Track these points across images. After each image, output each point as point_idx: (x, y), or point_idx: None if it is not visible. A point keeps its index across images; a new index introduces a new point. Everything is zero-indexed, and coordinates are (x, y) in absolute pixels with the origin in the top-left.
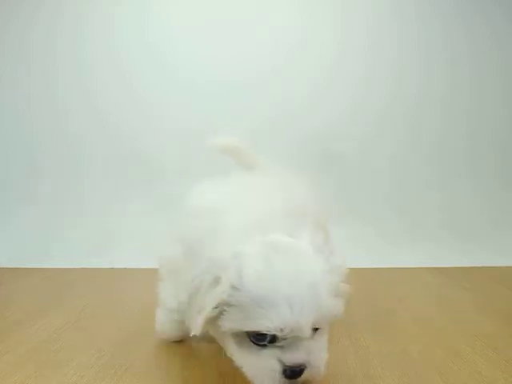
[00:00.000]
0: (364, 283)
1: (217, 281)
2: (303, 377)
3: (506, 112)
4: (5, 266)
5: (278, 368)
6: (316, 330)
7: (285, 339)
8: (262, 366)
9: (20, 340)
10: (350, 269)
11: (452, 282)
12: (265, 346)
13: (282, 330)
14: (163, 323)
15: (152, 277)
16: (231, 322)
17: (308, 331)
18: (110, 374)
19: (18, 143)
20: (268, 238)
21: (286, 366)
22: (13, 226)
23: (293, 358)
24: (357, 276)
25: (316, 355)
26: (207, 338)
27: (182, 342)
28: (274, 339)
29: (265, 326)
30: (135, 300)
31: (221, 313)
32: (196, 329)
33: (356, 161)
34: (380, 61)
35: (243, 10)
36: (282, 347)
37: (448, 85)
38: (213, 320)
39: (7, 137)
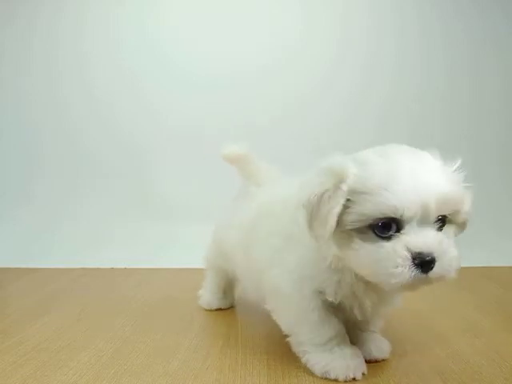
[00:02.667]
0: None
1: (337, 185)
2: (435, 271)
3: (507, 112)
4: (5, 266)
5: (406, 254)
6: (442, 224)
7: (411, 226)
8: (388, 257)
9: (20, 340)
10: None
11: (452, 282)
12: (390, 237)
13: (408, 209)
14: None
15: (152, 277)
16: (358, 213)
17: (435, 213)
18: (109, 373)
19: (17, 143)
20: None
21: (415, 252)
22: (13, 226)
23: (423, 243)
24: None
25: (447, 247)
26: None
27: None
28: (400, 228)
29: (393, 205)
30: (135, 300)
31: (346, 208)
32: (328, 230)
33: None
34: (380, 61)
35: (243, 8)
36: (408, 235)
37: (448, 85)
38: (338, 221)
39: (7, 137)
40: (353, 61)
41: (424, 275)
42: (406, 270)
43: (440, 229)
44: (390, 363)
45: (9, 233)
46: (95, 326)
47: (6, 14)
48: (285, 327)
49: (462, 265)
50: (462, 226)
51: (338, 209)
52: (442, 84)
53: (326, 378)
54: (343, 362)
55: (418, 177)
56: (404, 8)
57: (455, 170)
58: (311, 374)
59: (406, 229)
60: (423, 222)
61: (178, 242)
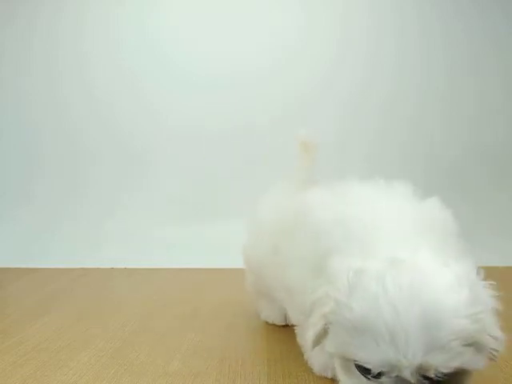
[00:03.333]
0: None
1: (327, 296)
2: None
3: (507, 112)
4: (5, 266)
5: None
6: (442, 379)
7: (391, 378)
8: None
9: (20, 340)
10: None
11: None
12: (369, 379)
13: (381, 367)
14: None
15: (152, 277)
16: (334, 345)
17: (413, 375)
18: (110, 373)
19: (17, 143)
20: (393, 256)
21: None
22: (13, 226)
23: None
24: None
25: None
26: None
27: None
28: (379, 374)
29: (364, 359)
30: (135, 300)
31: (326, 332)
32: (308, 346)
33: (356, 161)
34: (380, 61)
35: (243, 8)
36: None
37: (448, 85)
38: (321, 338)
39: (7, 137)
40: (353, 61)
41: None
42: None
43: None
44: None
45: (9, 233)
46: (95, 326)
47: (6, 13)
48: (293, 318)
49: None
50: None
51: (318, 330)
52: (441, 84)
53: (325, 378)
54: None
55: (399, 335)
56: (404, 8)
57: (478, 310)
58: (311, 374)
59: (388, 379)
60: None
61: (178, 242)
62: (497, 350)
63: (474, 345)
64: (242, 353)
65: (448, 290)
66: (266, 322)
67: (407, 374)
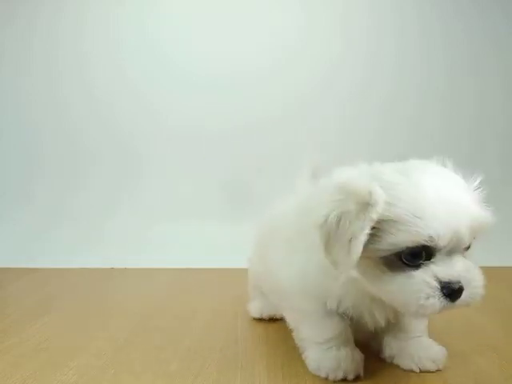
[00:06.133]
0: None
1: (363, 210)
2: (462, 299)
3: (508, 112)
4: (5, 266)
5: (436, 285)
6: (467, 247)
7: (441, 254)
8: (416, 287)
9: (20, 340)
10: None
11: None
12: (418, 266)
13: (443, 238)
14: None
15: (152, 277)
16: (387, 242)
17: (469, 239)
18: (110, 373)
19: (17, 143)
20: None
21: (444, 282)
22: (13, 226)
23: (451, 272)
24: None
25: (474, 273)
26: None
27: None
28: (429, 256)
29: (427, 235)
30: (135, 300)
31: (373, 236)
32: (353, 259)
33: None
34: (380, 61)
35: (243, 8)
36: (436, 264)
37: (448, 85)
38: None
39: (7, 137)
40: (353, 61)
41: (452, 304)
42: (436, 301)
43: (465, 250)
44: (390, 363)
45: (9, 233)
46: (95, 326)
47: (6, 13)
48: (290, 323)
49: None
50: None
51: (364, 237)
52: (442, 84)
53: (326, 379)
54: (335, 362)
55: (449, 202)
56: (404, 8)
57: (476, 188)
58: (311, 374)
59: (437, 257)
60: (454, 249)
61: (178, 242)
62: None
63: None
64: (242, 353)
65: (465, 186)
66: (254, 318)
67: (466, 239)
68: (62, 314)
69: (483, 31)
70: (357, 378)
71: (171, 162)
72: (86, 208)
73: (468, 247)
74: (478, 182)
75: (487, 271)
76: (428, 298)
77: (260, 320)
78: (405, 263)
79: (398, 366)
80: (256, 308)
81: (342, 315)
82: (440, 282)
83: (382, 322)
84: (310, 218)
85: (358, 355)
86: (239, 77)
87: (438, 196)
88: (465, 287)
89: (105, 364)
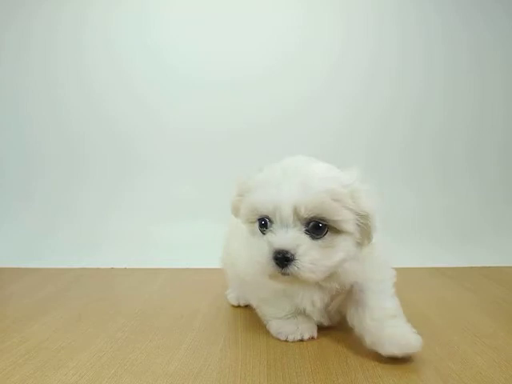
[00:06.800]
0: None
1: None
2: (290, 268)
3: (508, 112)
4: (4, 266)
5: (267, 249)
6: (315, 230)
7: (276, 226)
8: (257, 250)
9: (20, 340)
10: None
11: (452, 282)
12: (265, 233)
13: (268, 209)
14: None
15: (152, 277)
16: (244, 206)
17: (292, 215)
18: (109, 373)
19: (17, 143)
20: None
21: (274, 248)
22: (12, 226)
23: (278, 241)
24: None
25: (305, 249)
26: None
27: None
28: (271, 225)
29: (258, 203)
30: (135, 300)
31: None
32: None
33: (358, 162)
34: (382, 62)
35: (244, 9)
36: (272, 233)
37: (450, 86)
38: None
39: (7, 137)
40: (355, 62)
41: (280, 269)
42: (267, 261)
43: (315, 234)
44: (390, 363)
45: (9, 233)
46: (95, 326)
47: (6, 13)
48: (253, 302)
49: (462, 265)
50: (364, 237)
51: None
52: (444, 85)
53: (324, 379)
54: (294, 326)
55: (284, 182)
56: (405, 7)
57: (346, 181)
58: (311, 374)
59: (273, 227)
60: (285, 223)
61: (178, 242)
62: (367, 224)
63: (341, 202)
64: (242, 353)
65: (324, 170)
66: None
67: (286, 211)
68: (62, 313)
69: (485, 30)
70: (312, 338)
71: (171, 162)
72: (86, 208)
73: (318, 229)
74: (350, 175)
75: (487, 271)
76: (263, 260)
77: (260, 320)
78: (260, 230)
79: (396, 367)
80: (233, 297)
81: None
82: (271, 248)
83: (320, 307)
84: None
85: (313, 321)
86: (239, 78)
87: (279, 178)
88: (294, 257)
89: (105, 364)
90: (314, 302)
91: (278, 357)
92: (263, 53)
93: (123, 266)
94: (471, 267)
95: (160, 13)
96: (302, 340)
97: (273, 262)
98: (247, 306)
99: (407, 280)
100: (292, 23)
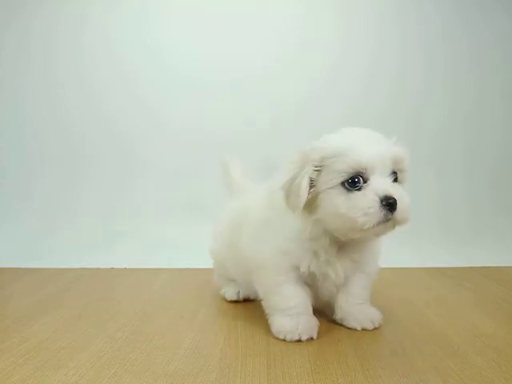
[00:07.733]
0: None
1: (302, 162)
2: (398, 212)
3: (508, 112)
4: (4, 266)
5: (376, 198)
6: (395, 179)
7: (374, 178)
8: (361, 202)
9: (20, 340)
10: None
11: (452, 282)
12: (360, 188)
13: (370, 163)
14: None
15: (152, 277)
16: (331, 172)
17: (390, 166)
18: (109, 373)
19: (17, 143)
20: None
21: (382, 196)
22: (12, 226)
23: (386, 188)
24: None
25: (403, 193)
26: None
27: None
28: (365, 180)
29: (358, 161)
30: (135, 300)
31: (320, 172)
32: (302, 199)
33: None
34: (381, 60)
35: (244, 9)
36: (374, 184)
37: (450, 86)
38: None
39: (7, 137)
40: (355, 62)
41: (390, 214)
42: (377, 210)
43: (394, 182)
44: (390, 363)
45: (9, 233)
46: (95, 326)
47: (6, 14)
48: (260, 293)
49: (462, 265)
50: (403, 183)
51: (306, 182)
52: (443, 84)
53: (324, 379)
54: (294, 326)
55: (372, 141)
56: (405, 7)
57: (394, 142)
58: (311, 374)
59: (371, 180)
60: (382, 174)
61: (178, 243)
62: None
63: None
64: (242, 353)
65: (383, 136)
66: (225, 299)
67: (388, 162)
68: (62, 313)
69: (485, 30)
70: (311, 339)
71: (171, 162)
72: (86, 208)
73: (396, 179)
74: (395, 139)
75: (487, 271)
76: (370, 208)
77: (260, 319)
78: (349, 189)
79: (396, 367)
80: (230, 292)
81: (305, 285)
82: (378, 196)
83: (343, 276)
84: (278, 192)
85: (314, 322)
86: (239, 78)
87: (364, 138)
88: (398, 201)
89: (105, 364)
90: (338, 271)
91: (278, 357)
92: (263, 53)
93: (123, 266)
94: (471, 267)
95: (160, 13)
96: (299, 340)
97: (385, 209)
98: (246, 302)
99: (407, 280)
100: (292, 23)
